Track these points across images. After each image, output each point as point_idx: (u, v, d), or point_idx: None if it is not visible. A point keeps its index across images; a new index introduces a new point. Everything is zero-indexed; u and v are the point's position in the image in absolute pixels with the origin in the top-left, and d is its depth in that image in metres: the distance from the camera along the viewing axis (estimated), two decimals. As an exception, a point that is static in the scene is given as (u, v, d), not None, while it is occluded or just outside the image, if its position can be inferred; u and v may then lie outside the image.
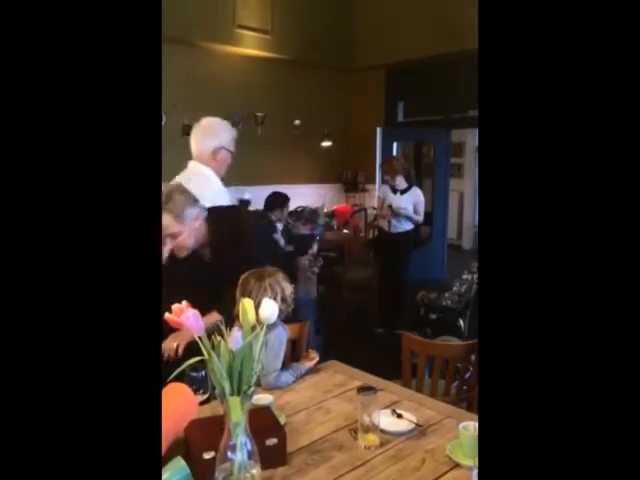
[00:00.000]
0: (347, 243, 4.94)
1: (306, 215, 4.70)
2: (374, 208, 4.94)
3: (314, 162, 6.12)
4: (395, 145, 6.65)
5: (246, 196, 2.86)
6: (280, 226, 4.14)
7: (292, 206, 5.33)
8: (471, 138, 8.12)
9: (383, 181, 4.54)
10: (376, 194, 4.42)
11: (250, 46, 5.46)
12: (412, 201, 4.36)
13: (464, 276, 2.66)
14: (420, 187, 6.60)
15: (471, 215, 8.34)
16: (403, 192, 4.38)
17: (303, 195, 5.77)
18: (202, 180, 2.23)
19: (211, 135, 2.31)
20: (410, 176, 4.47)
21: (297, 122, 5.95)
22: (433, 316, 2.97)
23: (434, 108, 6.14)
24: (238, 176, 5.29)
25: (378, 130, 5.79)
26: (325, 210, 5.26)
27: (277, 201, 4.18)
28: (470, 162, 8.27)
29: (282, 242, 3.78)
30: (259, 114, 5.41)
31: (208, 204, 2.00)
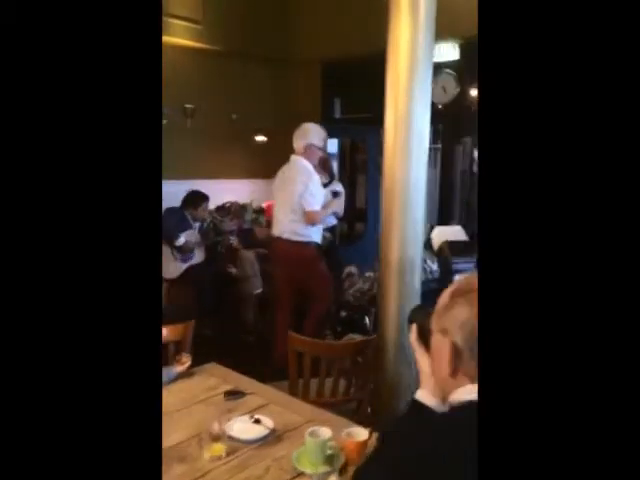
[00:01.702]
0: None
1: (233, 211, 4.61)
2: None
3: (249, 156, 6.02)
4: (336, 141, 6.65)
5: (337, 188, 3.65)
6: (196, 224, 4.05)
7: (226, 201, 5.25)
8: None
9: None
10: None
11: (180, 36, 5.30)
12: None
13: (367, 274, 2.65)
14: (355, 183, 6.64)
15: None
16: (325, 187, 4.36)
17: (237, 190, 5.68)
18: (299, 167, 3.19)
19: (303, 135, 3.30)
20: (332, 171, 4.46)
21: (234, 116, 5.84)
22: (343, 314, 2.95)
23: (372, 105, 6.17)
24: (167, 169, 5.17)
25: (312, 126, 5.73)
26: (254, 206, 5.18)
27: (193, 200, 4.12)
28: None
29: (181, 240, 3.77)
30: (188, 106, 5.26)
31: (302, 185, 3.07)
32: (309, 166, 3.19)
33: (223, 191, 5.52)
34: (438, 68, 5.33)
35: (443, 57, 5.26)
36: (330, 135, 6.13)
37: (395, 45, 1.55)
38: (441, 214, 5.15)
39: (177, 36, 5.26)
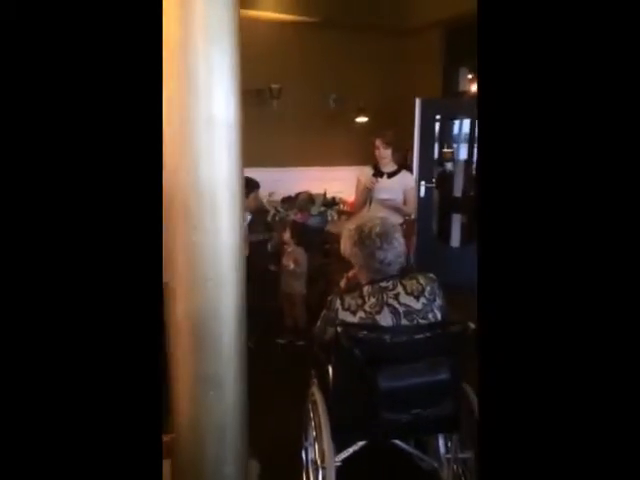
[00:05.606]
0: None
1: (300, 203, 4.03)
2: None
3: (347, 141, 5.36)
4: (468, 122, 5.59)
5: None
6: (248, 216, 3.55)
7: (330, 191, 4.69)
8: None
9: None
10: (358, 178, 3.49)
11: (268, 9, 4.85)
12: (401, 188, 3.33)
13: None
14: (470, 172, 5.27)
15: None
16: (390, 176, 3.37)
17: (337, 179, 5.08)
18: None
19: None
20: (400, 156, 3.50)
21: (334, 96, 5.25)
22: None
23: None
24: (255, 157, 4.79)
25: (417, 102, 4.77)
26: (328, 197, 4.51)
27: None
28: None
29: None
30: (274, 86, 4.80)
31: None
32: None
33: (326, 180, 4.97)
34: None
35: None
36: (438, 112, 5.06)
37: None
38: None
39: (264, 9, 4.81)
